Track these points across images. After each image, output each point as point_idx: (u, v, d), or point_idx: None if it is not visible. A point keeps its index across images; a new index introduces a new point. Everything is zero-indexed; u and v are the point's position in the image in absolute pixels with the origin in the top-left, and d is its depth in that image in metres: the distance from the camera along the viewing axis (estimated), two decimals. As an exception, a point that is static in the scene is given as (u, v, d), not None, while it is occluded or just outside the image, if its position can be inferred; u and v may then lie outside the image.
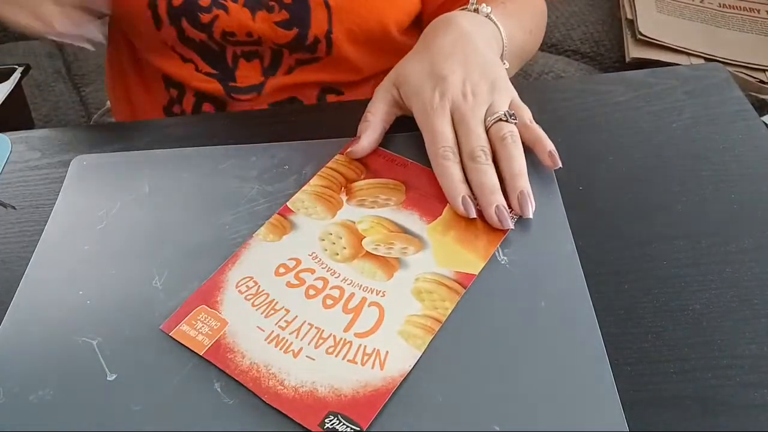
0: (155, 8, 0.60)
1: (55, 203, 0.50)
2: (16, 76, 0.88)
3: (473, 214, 0.44)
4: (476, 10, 0.53)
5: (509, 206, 0.44)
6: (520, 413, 0.35)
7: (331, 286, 0.42)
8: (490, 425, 0.34)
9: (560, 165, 0.46)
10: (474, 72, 0.48)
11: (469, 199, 0.44)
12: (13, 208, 0.50)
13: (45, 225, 0.48)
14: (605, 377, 0.36)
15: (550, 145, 0.46)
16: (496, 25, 0.53)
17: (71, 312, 0.42)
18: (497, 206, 0.43)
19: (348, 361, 0.38)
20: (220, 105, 0.66)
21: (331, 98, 0.66)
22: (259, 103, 0.65)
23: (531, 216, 0.43)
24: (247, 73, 0.64)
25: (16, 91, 0.89)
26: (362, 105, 0.57)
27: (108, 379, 0.38)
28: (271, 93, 0.65)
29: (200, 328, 0.40)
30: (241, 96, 0.65)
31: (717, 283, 0.40)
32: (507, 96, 0.48)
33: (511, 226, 0.43)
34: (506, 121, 0.46)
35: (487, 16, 0.53)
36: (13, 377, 0.39)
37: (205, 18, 0.60)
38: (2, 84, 0.87)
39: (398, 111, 0.51)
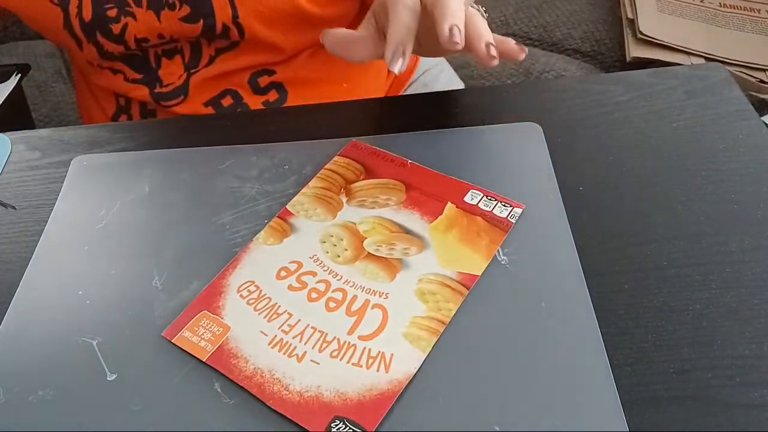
0: (71, 28, 0.61)
1: (55, 203, 0.50)
2: (16, 76, 0.88)
3: (397, 67, 0.41)
4: None
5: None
6: (520, 413, 0.35)
7: (334, 288, 0.42)
8: (491, 425, 0.34)
9: (496, 56, 0.43)
10: None
11: (402, 49, 0.41)
12: (13, 208, 0.50)
13: (45, 225, 0.48)
14: (605, 377, 0.36)
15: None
16: None
17: (71, 312, 0.42)
18: (454, 26, 0.40)
19: (353, 364, 0.37)
20: (154, 110, 0.67)
21: (264, 80, 0.66)
22: (190, 106, 0.65)
23: (495, 58, 0.42)
24: (171, 71, 0.64)
25: (16, 91, 0.89)
26: (362, 105, 0.57)
27: (108, 379, 0.38)
28: (200, 91, 0.65)
29: (202, 334, 0.40)
30: (168, 102, 0.65)
31: (717, 283, 0.40)
32: None
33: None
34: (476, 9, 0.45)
35: None
36: (13, 377, 0.39)
37: (116, 28, 0.60)
38: (2, 84, 0.87)
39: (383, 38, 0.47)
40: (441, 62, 0.82)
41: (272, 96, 0.66)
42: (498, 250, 0.43)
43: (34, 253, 0.46)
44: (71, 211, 0.49)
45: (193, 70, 0.64)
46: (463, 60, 1.03)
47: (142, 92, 0.65)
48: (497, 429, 0.34)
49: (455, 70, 0.88)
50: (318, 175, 0.49)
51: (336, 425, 0.35)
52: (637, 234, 0.43)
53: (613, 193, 0.46)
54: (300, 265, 0.43)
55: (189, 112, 0.65)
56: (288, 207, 0.47)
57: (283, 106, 0.66)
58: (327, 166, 0.50)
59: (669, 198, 0.45)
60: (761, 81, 0.97)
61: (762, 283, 0.40)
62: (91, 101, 0.72)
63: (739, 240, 0.42)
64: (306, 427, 0.35)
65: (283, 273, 0.43)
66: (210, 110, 0.65)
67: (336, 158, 0.50)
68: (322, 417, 0.35)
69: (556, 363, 0.37)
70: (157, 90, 0.65)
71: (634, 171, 0.47)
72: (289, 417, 0.35)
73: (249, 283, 0.42)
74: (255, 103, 0.66)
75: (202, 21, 0.60)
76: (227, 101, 0.66)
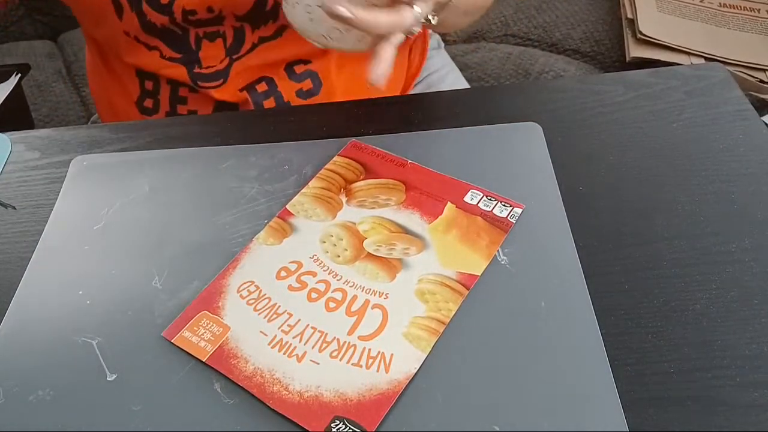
0: None
1: (55, 203, 0.50)
2: (16, 76, 0.88)
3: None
4: None
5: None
6: (520, 413, 0.35)
7: (334, 288, 0.42)
8: (490, 425, 0.34)
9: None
10: None
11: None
12: (13, 208, 0.50)
13: (45, 225, 0.48)
14: (605, 377, 0.36)
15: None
16: None
17: (71, 312, 0.42)
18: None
19: (352, 364, 0.37)
20: (192, 91, 0.66)
21: (300, 68, 0.65)
22: (227, 91, 0.64)
23: None
24: (212, 54, 0.63)
25: (16, 91, 0.89)
26: (362, 105, 0.57)
27: (108, 379, 0.38)
28: (239, 77, 0.64)
29: (202, 334, 0.40)
30: (206, 84, 0.64)
31: (717, 283, 0.40)
32: None
33: None
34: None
35: None
36: (13, 377, 0.39)
37: None
38: (2, 84, 0.87)
39: None
40: (448, 64, 0.82)
41: (306, 85, 0.66)
42: (498, 250, 0.43)
43: (34, 252, 0.46)
44: (71, 211, 0.49)
45: (235, 56, 0.63)
46: (462, 62, 1.03)
47: (178, 71, 0.64)
48: (497, 429, 0.34)
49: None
50: (318, 175, 0.49)
51: (336, 425, 0.35)
52: (637, 234, 0.43)
53: (613, 193, 0.46)
54: (300, 265, 0.43)
55: (224, 97, 0.65)
56: (288, 207, 0.47)
57: (282, 107, 0.66)
58: (327, 166, 0.50)
59: (669, 198, 0.45)
60: (761, 81, 0.97)
61: (762, 283, 0.40)
62: (113, 86, 0.70)
63: (739, 240, 0.42)
64: (306, 427, 0.35)
65: (283, 273, 0.43)
66: (245, 95, 0.65)
67: (336, 158, 0.50)
68: (322, 417, 0.35)
69: (556, 363, 0.37)
70: (197, 71, 0.64)
71: (634, 171, 0.47)
72: (289, 417, 0.35)
73: (249, 283, 0.42)
74: (289, 90, 0.65)
75: None
76: (262, 87, 0.65)
